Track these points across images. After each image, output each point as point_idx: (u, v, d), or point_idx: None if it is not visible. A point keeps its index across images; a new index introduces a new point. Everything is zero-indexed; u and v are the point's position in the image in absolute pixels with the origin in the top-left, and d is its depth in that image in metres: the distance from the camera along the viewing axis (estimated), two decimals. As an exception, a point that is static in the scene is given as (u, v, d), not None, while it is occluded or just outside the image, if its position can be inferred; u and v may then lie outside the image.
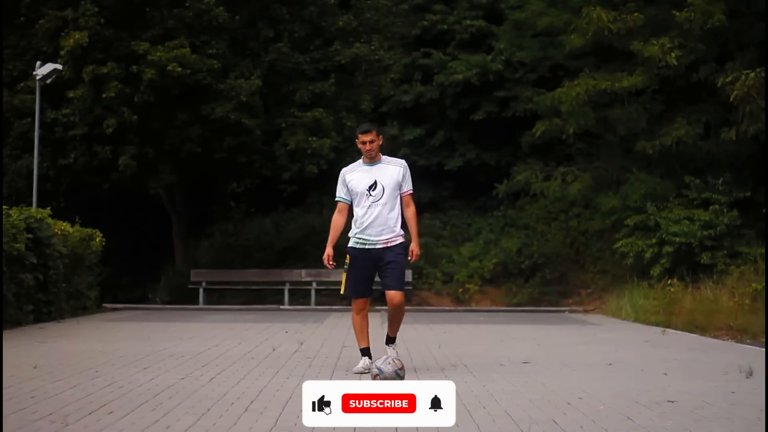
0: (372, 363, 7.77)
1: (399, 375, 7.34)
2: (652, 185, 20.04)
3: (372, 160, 8.18)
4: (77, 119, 21.09)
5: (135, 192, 24.19)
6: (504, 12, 24.34)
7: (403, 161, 8.35)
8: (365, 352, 8.27)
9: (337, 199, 8.32)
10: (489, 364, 9.14)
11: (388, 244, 8.11)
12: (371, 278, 8.21)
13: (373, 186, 8.12)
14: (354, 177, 8.22)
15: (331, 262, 8.20)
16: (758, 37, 19.21)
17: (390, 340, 8.43)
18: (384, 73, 24.97)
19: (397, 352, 8.34)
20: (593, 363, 9.31)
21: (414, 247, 8.27)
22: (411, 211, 8.26)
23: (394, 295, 8.09)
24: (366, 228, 8.11)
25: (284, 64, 22.18)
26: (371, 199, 8.11)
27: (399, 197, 8.19)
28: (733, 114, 19.05)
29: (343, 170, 8.32)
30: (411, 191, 8.28)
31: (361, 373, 8.08)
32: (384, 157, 8.27)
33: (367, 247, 8.12)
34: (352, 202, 8.25)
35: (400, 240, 8.16)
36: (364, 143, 8.13)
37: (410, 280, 22.12)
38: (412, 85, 26.26)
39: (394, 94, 26.20)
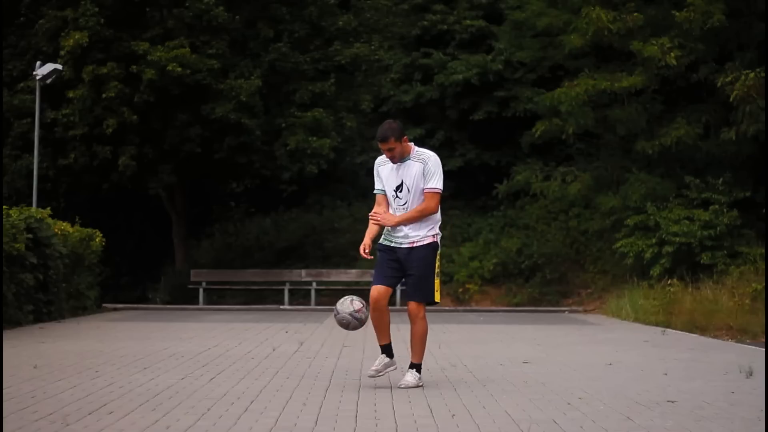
0: (390, 361, 7.33)
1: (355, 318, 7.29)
2: (652, 185, 20.04)
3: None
4: (77, 119, 21.10)
5: (135, 192, 24.21)
6: (504, 12, 24.36)
7: (428, 156, 7.37)
8: (384, 349, 7.39)
9: (375, 191, 7.52)
10: (489, 364, 9.14)
11: (414, 245, 7.33)
12: (396, 269, 7.35)
13: (399, 187, 7.34)
14: (384, 171, 7.43)
15: (366, 251, 7.27)
16: (758, 37, 19.22)
17: (411, 364, 7.44)
18: (384, 73, 24.98)
19: (417, 379, 7.34)
20: (593, 363, 9.31)
21: (388, 218, 7.35)
22: (422, 206, 7.31)
23: (408, 305, 7.42)
24: (394, 230, 7.37)
25: (284, 64, 22.19)
26: (398, 202, 7.34)
27: None
28: (733, 114, 19.05)
29: (377, 160, 7.52)
30: (433, 189, 7.30)
31: (377, 374, 7.36)
32: (414, 152, 7.39)
33: (393, 245, 7.37)
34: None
35: (429, 240, 7.35)
36: (383, 150, 7.36)
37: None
38: (412, 85, 26.26)
39: (394, 94, 26.20)
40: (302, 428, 5.53)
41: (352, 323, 7.39)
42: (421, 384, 7.36)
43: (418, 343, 7.40)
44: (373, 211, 7.57)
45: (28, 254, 14.24)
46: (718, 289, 16.73)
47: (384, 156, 7.45)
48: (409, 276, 7.35)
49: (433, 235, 7.43)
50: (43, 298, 15.13)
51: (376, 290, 7.31)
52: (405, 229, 7.36)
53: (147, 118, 21.47)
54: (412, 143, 7.48)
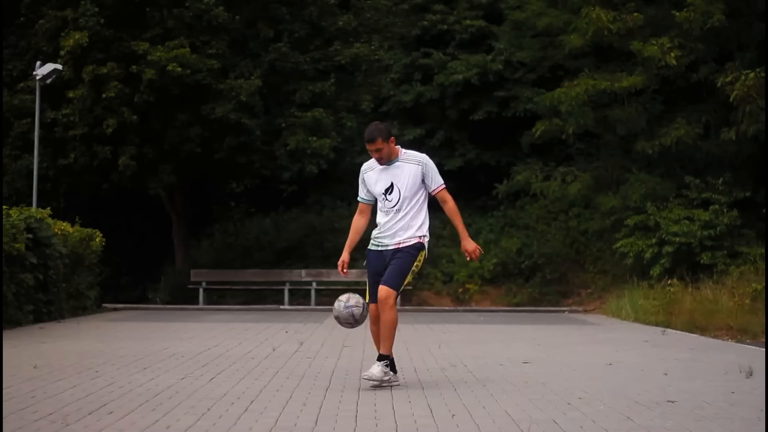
0: (394, 377, 7.31)
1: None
2: (652, 185, 20.04)
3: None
4: (77, 119, 21.10)
5: (135, 192, 24.21)
6: (504, 12, 24.36)
7: (422, 157, 7.41)
8: (391, 367, 7.35)
9: (358, 198, 7.61)
10: (489, 364, 9.14)
11: (400, 245, 7.29)
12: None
13: (389, 189, 7.32)
14: (371, 176, 7.43)
15: (345, 270, 7.41)
16: (758, 37, 19.22)
17: (379, 356, 7.31)
18: (384, 73, 25.00)
19: (383, 373, 7.20)
20: (593, 363, 9.31)
21: (466, 243, 7.43)
22: (449, 207, 7.42)
23: (380, 289, 7.21)
24: (383, 232, 7.35)
25: (284, 64, 22.19)
26: (388, 204, 7.31)
27: (424, 197, 7.37)
28: (733, 114, 19.05)
29: (363, 167, 7.53)
30: (442, 186, 7.40)
31: (380, 384, 7.23)
32: (403, 154, 7.40)
33: (380, 249, 7.36)
34: (376, 201, 7.50)
35: (414, 241, 7.29)
36: (371, 151, 7.35)
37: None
38: (412, 85, 26.26)
39: (394, 94, 26.20)
40: (302, 428, 5.53)
41: (354, 315, 7.36)
42: (388, 379, 7.23)
43: (387, 332, 7.23)
44: (354, 218, 7.59)
45: (28, 254, 14.24)
46: (718, 289, 16.73)
47: (370, 162, 7.47)
48: (390, 265, 7.27)
49: (420, 237, 7.37)
50: (43, 298, 15.13)
51: (375, 308, 7.35)
52: (394, 229, 7.31)
53: (147, 118, 21.47)
54: (399, 146, 7.47)
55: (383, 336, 7.27)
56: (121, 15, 21.45)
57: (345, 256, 7.45)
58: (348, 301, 7.40)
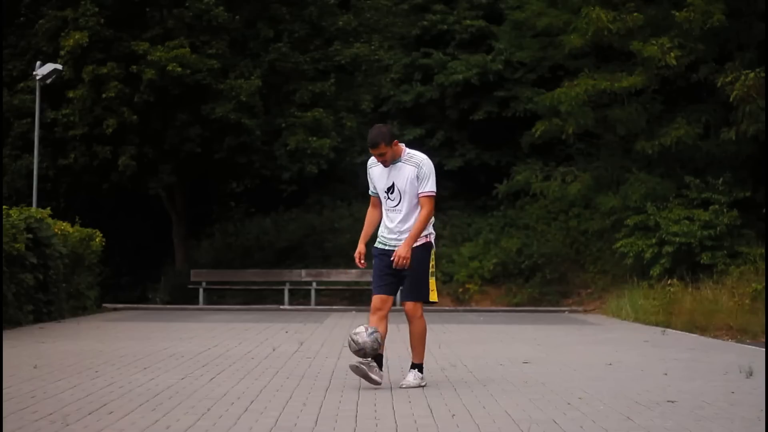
0: (376, 368, 7.26)
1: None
2: (652, 185, 20.04)
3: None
4: (77, 119, 21.10)
5: (135, 192, 24.20)
6: (504, 12, 24.36)
7: (422, 159, 7.39)
8: (374, 358, 7.35)
9: (369, 192, 7.66)
10: (489, 364, 9.15)
11: None
12: (392, 275, 7.34)
13: (390, 189, 7.39)
14: (375, 172, 7.50)
15: (362, 261, 7.45)
16: (758, 37, 19.23)
17: (412, 364, 7.52)
18: (384, 73, 24.98)
19: (419, 378, 7.43)
20: (593, 363, 9.31)
21: (400, 248, 7.26)
22: (421, 214, 7.31)
23: (405, 305, 7.41)
24: (387, 232, 7.43)
25: (284, 64, 22.19)
26: (390, 203, 7.39)
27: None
28: (732, 114, 19.06)
29: (369, 161, 7.58)
30: (429, 193, 7.31)
31: (357, 365, 7.21)
32: (406, 154, 7.42)
33: (387, 248, 7.40)
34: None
35: (422, 241, 7.34)
36: (374, 155, 7.41)
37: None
38: (412, 85, 26.26)
39: (394, 94, 26.20)
40: (302, 428, 5.53)
41: (376, 343, 7.21)
42: (424, 384, 7.39)
43: (418, 342, 7.46)
44: (368, 211, 7.67)
45: (28, 254, 14.24)
46: (718, 289, 16.73)
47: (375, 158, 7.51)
48: (404, 277, 7.36)
49: (427, 235, 7.42)
50: (43, 298, 15.13)
51: (379, 299, 7.37)
52: (399, 231, 7.37)
53: (147, 118, 21.46)
54: (403, 144, 7.51)
55: (415, 345, 7.48)
56: (121, 15, 21.45)
57: (361, 247, 7.51)
58: (367, 331, 7.19)
